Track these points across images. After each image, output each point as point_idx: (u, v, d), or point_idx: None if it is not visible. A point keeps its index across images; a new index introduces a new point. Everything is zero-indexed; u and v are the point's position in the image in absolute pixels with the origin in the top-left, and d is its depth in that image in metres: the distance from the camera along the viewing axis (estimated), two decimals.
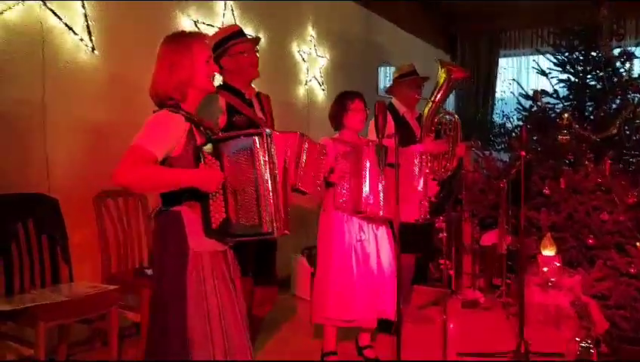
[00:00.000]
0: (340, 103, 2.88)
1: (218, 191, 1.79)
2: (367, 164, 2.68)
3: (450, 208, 2.90)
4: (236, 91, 2.58)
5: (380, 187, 2.67)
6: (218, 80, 2.48)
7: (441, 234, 2.74)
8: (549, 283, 3.39)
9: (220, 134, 1.91)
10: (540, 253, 3.54)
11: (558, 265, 3.47)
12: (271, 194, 1.77)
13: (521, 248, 3.01)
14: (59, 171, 2.91)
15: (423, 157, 2.77)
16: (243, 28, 4.06)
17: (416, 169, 2.91)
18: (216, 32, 2.75)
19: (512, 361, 2.82)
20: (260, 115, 2.61)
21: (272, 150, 1.79)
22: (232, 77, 2.59)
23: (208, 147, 1.80)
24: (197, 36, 1.92)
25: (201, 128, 1.86)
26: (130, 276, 3.07)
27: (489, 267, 4.10)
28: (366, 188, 2.67)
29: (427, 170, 2.77)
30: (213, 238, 1.83)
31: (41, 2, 2.79)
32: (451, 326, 3.27)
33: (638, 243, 3.68)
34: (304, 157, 2.08)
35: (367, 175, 2.67)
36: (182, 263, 1.79)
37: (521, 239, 3.01)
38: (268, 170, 1.77)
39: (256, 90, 2.68)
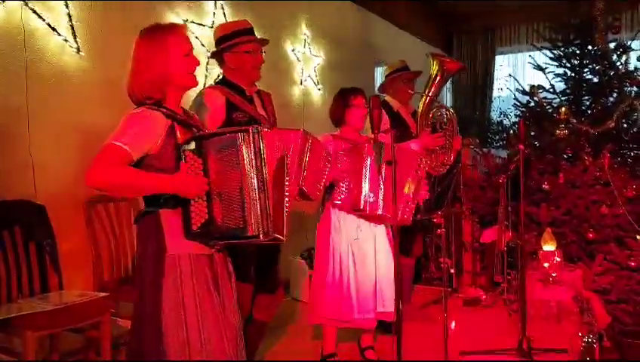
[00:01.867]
0: (342, 99, 2.84)
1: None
2: (368, 162, 2.63)
3: (448, 204, 2.83)
4: (237, 87, 2.48)
5: (382, 185, 2.61)
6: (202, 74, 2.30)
7: (439, 231, 2.66)
8: (550, 279, 3.35)
9: (205, 131, 1.80)
10: (541, 248, 3.50)
11: (558, 260, 3.43)
12: (257, 195, 1.66)
13: (521, 244, 2.96)
14: (45, 176, 2.83)
15: (423, 160, 2.69)
16: None
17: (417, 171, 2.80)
18: (225, 24, 2.63)
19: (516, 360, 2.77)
20: (261, 112, 2.53)
21: (261, 148, 1.67)
22: (234, 73, 2.50)
23: (191, 145, 1.70)
24: (173, 29, 1.78)
25: (186, 125, 1.76)
26: (122, 283, 3.00)
27: (490, 264, 4.05)
28: (366, 186, 2.61)
29: (423, 174, 2.68)
30: (195, 241, 1.72)
31: (22, 3, 2.72)
32: (453, 324, 3.23)
33: (638, 236, 3.64)
34: (307, 157, 1.96)
35: (368, 173, 2.62)
36: (158, 267, 1.69)
37: (521, 235, 2.96)
38: (255, 169, 1.66)
39: (258, 87, 2.60)
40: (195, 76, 1.80)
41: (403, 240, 2.94)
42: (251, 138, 1.66)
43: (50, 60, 2.88)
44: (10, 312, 2.36)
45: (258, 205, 1.66)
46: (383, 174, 2.57)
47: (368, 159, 2.62)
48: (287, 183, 1.82)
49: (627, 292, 3.43)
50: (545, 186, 4.01)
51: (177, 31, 1.76)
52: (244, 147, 1.66)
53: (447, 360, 2.63)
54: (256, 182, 1.66)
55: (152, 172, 1.69)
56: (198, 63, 1.79)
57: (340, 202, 2.68)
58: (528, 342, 2.79)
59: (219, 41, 2.49)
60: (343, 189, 2.67)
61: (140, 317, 1.72)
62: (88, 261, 3.00)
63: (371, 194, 2.60)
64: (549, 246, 3.44)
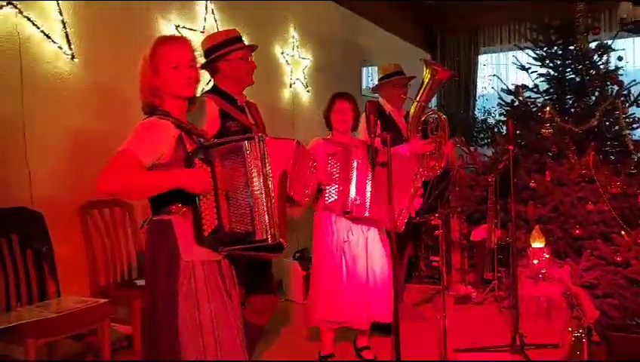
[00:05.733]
0: (328, 104, 2.91)
1: (209, 196, 1.74)
2: (355, 165, 2.68)
3: (445, 205, 2.88)
4: (228, 97, 2.52)
5: (368, 188, 2.66)
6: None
7: (437, 232, 2.71)
8: (540, 275, 3.43)
9: (211, 140, 1.86)
10: (530, 245, 3.58)
11: (547, 256, 3.52)
12: (264, 200, 1.72)
13: (512, 242, 3.03)
14: (41, 183, 2.82)
15: (420, 170, 2.73)
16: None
17: (413, 181, 2.81)
18: (214, 34, 2.68)
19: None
20: (251, 121, 2.57)
21: (265, 155, 1.74)
22: (226, 82, 2.54)
23: (200, 153, 1.76)
24: (164, 41, 1.83)
25: (192, 135, 1.83)
26: (119, 288, 3.01)
27: (480, 262, 4.12)
28: (353, 189, 2.66)
29: (419, 185, 2.73)
30: (205, 246, 1.76)
31: (17, 11, 2.71)
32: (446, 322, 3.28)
33: (623, 232, 3.74)
34: (296, 166, 1.99)
35: (355, 175, 2.67)
36: (173, 274, 1.74)
37: (512, 233, 3.03)
38: (261, 175, 1.73)
39: (246, 97, 2.64)
40: (188, 86, 1.82)
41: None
42: (257, 145, 1.73)
43: (45, 67, 2.87)
44: (10, 321, 2.35)
45: (265, 209, 1.71)
46: (369, 176, 2.60)
47: (355, 162, 2.68)
48: (288, 193, 1.87)
49: (613, 286, 3.52)
50: (532, 184, 4.10)
51: (167, 43, 1.81)
52: (250, 154, 1.72)
53: (445, 361, 2.67)
54: (262, 186, 1.72)
55: None
56: (189, 75, 1.81)
57: (329, 203, 2.71)
58: (521, 339, 2.86)
59: (211, 50, 2.52)
60: (333, 192, 2.71)
61: (156, 324, 1.75)
62: (85, 266, 2.99)
63: (358, 197, 2.66)
64: (538, 244, 3.52)
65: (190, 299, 1.74)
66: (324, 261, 2.79)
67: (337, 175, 2.70)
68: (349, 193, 2.66)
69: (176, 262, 1.74)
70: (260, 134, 1.77)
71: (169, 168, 1.73)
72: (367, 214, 2.68)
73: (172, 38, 1.89)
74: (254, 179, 1.72)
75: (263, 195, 1.72)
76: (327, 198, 2.71)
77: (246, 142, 1.73)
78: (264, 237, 1.71)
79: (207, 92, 2.53)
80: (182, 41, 1.86)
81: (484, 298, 3.92)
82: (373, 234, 2.83)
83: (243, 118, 2.51)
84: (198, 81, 1.86)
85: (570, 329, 2.98)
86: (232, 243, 1.76)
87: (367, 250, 2.79)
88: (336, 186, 2.70)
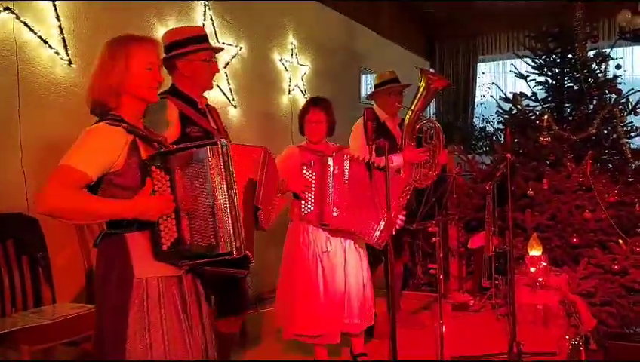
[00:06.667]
0: (303, 109, 2.80)
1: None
2: (332, 173, 2.56)
3: (442, 213, 2.87)
4: (188, 99, 2.30)
5: (347, 197, 2.55)
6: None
7: (434, 239, 2.70)
8: (538, 284, 3.42)
9: (171, 146, 1.73)
10: (527, 253, 3.57)
11: (544, 264, 3.51)
12: (229, 210, 1.60)
13: (510, 249, 3.02)
14: (37, 189, 2.83)
15: (407, 188, 2.65)
16: (223, 37, 4.10)
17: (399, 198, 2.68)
18: (177, 29, 2.43)
19: None
20: (213, 126, 2.37)
21: (229, 162, 1.63)
22: (186, 83, 2.31)
23: (157, 161, 1.63)
24: (140, 40, 1.71)
25: (148, 141, 1.69)
26: None
27: (477, 269, 4.11)
28: (330, 199, 2.54)
29: (403, 203, 2.66)
30: (165, 262, 1.63)
31: (14, 17, 2.72)
32: (443, 329, 3.27)
33: (620, 241, 3.74)
34: (265, 175, 1.88)
35: (331, 185, 2.55)
36: (124, 292, 1.61)
37: (509, 240, 3.03)
38: (225, 183, 1.61)
39: (207, 100, 2.43)
40: (155, 91, 1.73)
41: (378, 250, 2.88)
42: (220, 151, 1.61)
43: (41, 73, 2.88)
44: (5, 327, 2.35)
45: (230, 221, 1.60)
46: (346, 184, 2.54)
47: (331, 170, 2.55)
48: (256, 204, 1.78)
49: (611, 294, 3.52)
50: (529, 192, 4.09)
51: (144, 43, 1.71)
52: (213, 161, 1.60)
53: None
54: (226, 197, 1.61)
55: (114, 190, 1.61)
56: (160, 80, 1.72)
57: (306, 215, 2.62)
58: (519, 347, 2.85)
59: (171, 46, 2.28)
60: (309, 203, 2.60)
61: (103, 342, 1.65)
62: (80, 273, 2.99)
63: (335, 209, 2.54)
64: (535, 251, 3.52)
65: (141, 319, 1.61)
66: (300, 272, 2.70)
67: (314, 185, 2.59)
68: (326, 204, 2.54)
69: (129, 280, 1.61)
70: (223, 140, 1.65)
71: (123, 177, 1.61)
72: (345, 226, 2.59)
73: (146, 38, 1.75)
74: (217, 189, 1.59)
75: (227, 205, 1.60)
76: (303, 210, 2.61)
77: (208, 148, 1.60)
78: (228, 250, 1.60)
79: (166, 93, 2.27)
80: (156, 43, 1.76)
81: (482, 305, 3.90)
82: (350, 244, 2.75)
83: (204, 122, 2.30)
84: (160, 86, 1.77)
85: (567, 337, 2.98)
86: (193, 257, 1.63)
87: (345, 259, 2.72)
88: (313, 197, 2.58)
